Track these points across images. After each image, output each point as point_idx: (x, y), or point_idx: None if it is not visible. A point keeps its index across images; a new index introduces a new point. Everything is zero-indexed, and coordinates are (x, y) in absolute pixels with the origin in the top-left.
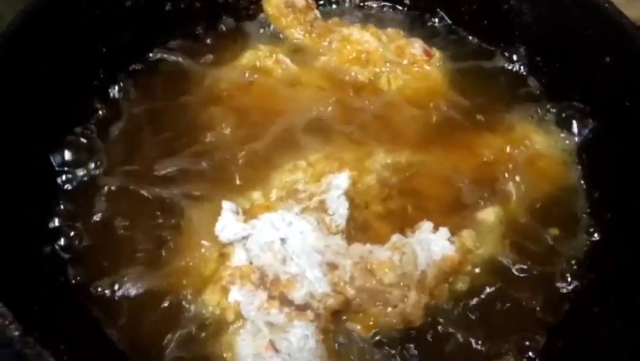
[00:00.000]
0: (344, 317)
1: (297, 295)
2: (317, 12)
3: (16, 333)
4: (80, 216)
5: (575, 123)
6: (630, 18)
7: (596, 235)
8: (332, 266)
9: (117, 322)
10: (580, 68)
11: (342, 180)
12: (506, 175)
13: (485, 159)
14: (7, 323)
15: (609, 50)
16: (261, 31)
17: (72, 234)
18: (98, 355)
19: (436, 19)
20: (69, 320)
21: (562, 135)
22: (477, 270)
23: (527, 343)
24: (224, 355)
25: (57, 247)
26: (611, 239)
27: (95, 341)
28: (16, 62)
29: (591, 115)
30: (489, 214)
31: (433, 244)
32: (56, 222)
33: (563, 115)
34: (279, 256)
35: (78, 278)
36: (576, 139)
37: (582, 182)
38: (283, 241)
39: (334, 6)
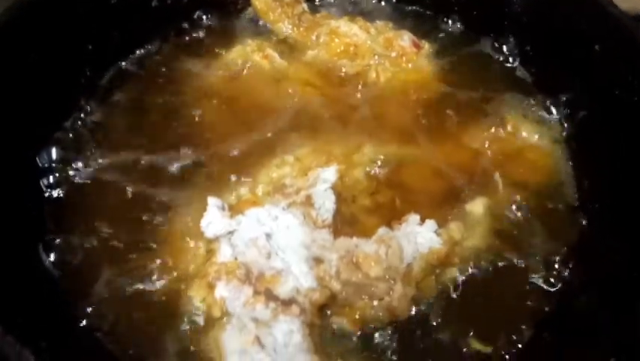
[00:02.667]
0: (330, 312)
1: (283, 290)
2: (305, 5)
3: None
4: (65, 214)
5: (564, 113)
6: (624, 9)
7: (585, 225)
8: (318, 260)
9: (102, 320)
10: (569, 58)
11: (329, 174)
12: (495, 166)
13: (474, 151)
14: None
15: (598, 39)
16: (249, 25)
17: (56, 231)
18: (82, 353)
19: (425, 11)
20: (51, 318)
21: (551, 125)
22: (464, 262)
23: (514, 335)
24: (211, 351)
25: (40, 244)
26: (599, 229)
27: (79, 340)
28: (2, 58)
29: (580, 105)
30: (477, 206)
31: (419, 237)
32: (39, 220)
33: (553, 105)
34: (264, 251)
35: (62, 276)
36: (566, 129)
37: (571, 172)
38: (268, 236)
39: None
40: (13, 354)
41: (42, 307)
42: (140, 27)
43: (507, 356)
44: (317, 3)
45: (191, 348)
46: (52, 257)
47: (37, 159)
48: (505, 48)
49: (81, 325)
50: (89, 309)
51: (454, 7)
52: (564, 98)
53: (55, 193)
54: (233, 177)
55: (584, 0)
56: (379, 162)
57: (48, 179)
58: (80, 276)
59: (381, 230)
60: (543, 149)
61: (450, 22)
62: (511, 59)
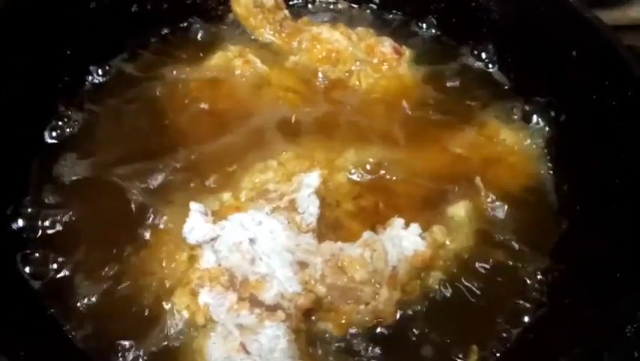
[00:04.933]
0: (315, 317)
1: (268, 295)
2: (286, 12)
3: None
4: (45, 221)
5: (543, 118)
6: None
7: (565, 227)
8: (302, 265)
9: (82, 329)
10: (547, 63)
11: (313, 178)
12: (476, 171)
13: (455, 156)
14: None
15: (575, 44)
16: (231, 31)
17: (36, 238)
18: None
19: (405, 18)
20: (29, 328)
21: (531, 130)
22: (448, 265)
23: (499, 336)
24: (196, 359)
25: (19, 255)
26: (580, 231)
27: (59, 348)
28: None
29: (559, 109)
30: (459, 209)
31: (404, 240)
32: (20, 223)
33: (532, 110)
34: (248, 256)
35: (40, 284)
36: (545, 133)
37: (552, 175)
38: (252, 241)
39: (303, 6)
40: None
41: (20, 317)
42: (120, 32)
43: (494, 358)
44: (298, 9)
45: (175, 355)
46: (30, 268)
47: (14, 165)
48: (484, 54)
49: (61, 334)
50: (69, 318)
51: (433, 14)
52: (543, 103)
53: (34, 197)
54: (215, 183)
55: (560, 6)
56: (362, 167)
57: (25, 187)
58: (59, 284)
59: (366, 234)
60: (523, 153)
61: (430, 29)
62: (490, 65)
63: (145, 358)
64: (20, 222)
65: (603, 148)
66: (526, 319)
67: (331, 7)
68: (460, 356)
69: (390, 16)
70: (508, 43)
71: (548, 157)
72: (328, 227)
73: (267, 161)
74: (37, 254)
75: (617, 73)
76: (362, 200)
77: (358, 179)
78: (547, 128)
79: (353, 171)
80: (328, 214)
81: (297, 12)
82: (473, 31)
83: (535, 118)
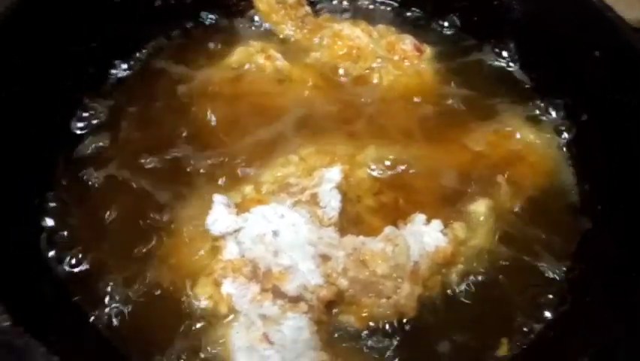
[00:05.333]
0: (337, 310)
1: (290, 287)
2: (308, 8)
3: (7, 323)
4: (72, 212)
5: (565, 117)
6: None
7: (587, 226)
8: (325, 258)
9: (109, 316)
10: (569, 63)
11: (334, 173)
12: (497, 169)
13: (475, 153)
14: None
15: (598, 44)
16: (252, 27)
17: (63, 229)
18: (89, 349)
19: (426, 16)
20: (59, 314)
21: (552, 129)
22: (469, 261)
23: (519, 334)
24: (218, 348)
25: (48, 241)
26: (601, 230)
27: (86, 336)
28: (4, 57)
29: (581, 109)
30: (480, 206)
31: (425, 236)
32: (48, 218)
33: (553, 109)
34: (271, 248)
35: (67, 273)
36: (566, 133)
37: (573, 175)
38: (275, 233)
39: (325, 2)
40: (22, 345)
41: (49, 303)
42: (144, 26)
43: (514, 354)
44: (318, 7)
45: (198, 345)
46: (55, 253)
47: (41, 155)
48: (505, 53)
49: (87, 321)
50: (95, 306)
51: (454, 12)
52: (564, 102)
53: (59, 190)
54: (237, 176)
55: (583, 6)
56: (382, 163)
57: (52, 175)
58: (86, 273)
59: (388, 229)
60: (544, 152)
61: (450, 27)
62: (511, 64)
63: (168, 346)
64: (46, 212)
65: (625, 148)
66: (548, 315)
67: (352, 4)
68: (481, 350)
69: (411, 14)
70: (530, 42)
71: (569, 156)
72: (349, 222)
73: (288, 155)
74: (62, 242)
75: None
76: (382, 196)
77: (379, 175)
78: (567, 128)
79: (373, 167)
80: (349, 209)
81: (318, 9)
82: (494, 29)
83: (556, 117)
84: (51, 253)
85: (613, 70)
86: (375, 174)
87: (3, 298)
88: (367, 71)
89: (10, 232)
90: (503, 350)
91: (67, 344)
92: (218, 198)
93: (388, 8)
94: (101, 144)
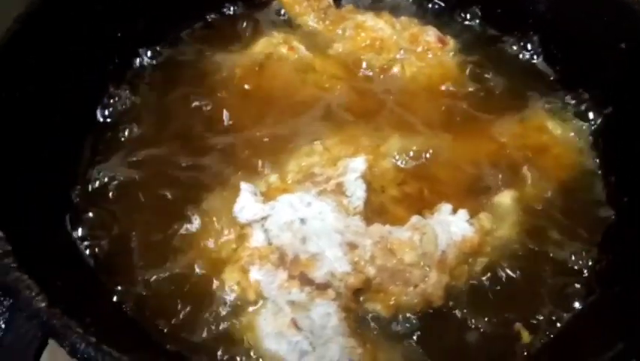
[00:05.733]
0: (363, 297)
1: (318, 274)
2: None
3: (43, 304)
4: (99, 198)
5: (589, 109)
6: None
7: (613, 218)
8: (352, 246)
9: (135, 299)
10: (594, 55)
11: (358, 163)
12: (522, 160)
13: (500, 145)
14: (33, 294)
15: (624, 36)
16: (275, 17)
17: (91, 212)
18: (120, 330)
19: (448, 8)
20: (90, 296)
21: (577, 121)
22: (495, 252)
23: (547, 323)
24: (245, 333)
25: (75, 220)
26: (627, 222)
27: (116, 318)
28: (34, 45)
29: (606, 101)
30: (505, 197)
31: (452, 226)
32: (76, 199)
33: (578, 101)
34: (299, 235)
35: (96, 253)
36: (591, 125)
37: (598, 167)
38: (302, 221)
39: None
40: (59, 326)
41: (79, 284)
42: (168, 17)
43: (539, 345)
44: None
45: (225, 330)
46: (81, 233)
47: (68, 141)
48: (529, 45)
49: (115, 303)
50: (123, 288)
51: (477, 4)
52: (589, 95)
53: (85, 176)
54: (262, 165)
55: None
56: (406, 154)
57: (78, 162)
58: (114, 256)
59: (415, 218)
60: (569, 144)
61: (473, 19)
62: (535, 56)
63: (195, 330)
64: (73, 196)
65: None
66: (576, 305)
67: None
68: (508, 339)
69: (433, 5)
70: (554, 34)
71: (594, 148)
72: (374, 212)
73: (312, 145)
74: (90, 224)
75: None
76: (406, 186)
77: (403, 165)
78: (593, 120)
79: (397, 157)
80: (373, 199)
81: (340, 0)
82: (518, 22)
83: (581, 110)
84: (77, 234)
85: (639, 62)
86: (399, 164)
87: (38, 280)
88: (390, 63)
89: (38, 212)
90: (525, 337)
91: (100, 325)
92: (245, 186)
93: (410, 0)
94: (126, 131)
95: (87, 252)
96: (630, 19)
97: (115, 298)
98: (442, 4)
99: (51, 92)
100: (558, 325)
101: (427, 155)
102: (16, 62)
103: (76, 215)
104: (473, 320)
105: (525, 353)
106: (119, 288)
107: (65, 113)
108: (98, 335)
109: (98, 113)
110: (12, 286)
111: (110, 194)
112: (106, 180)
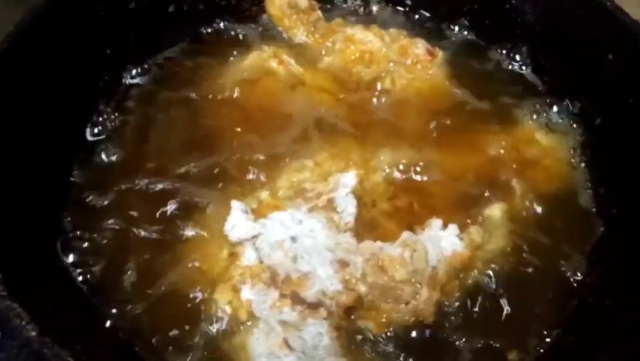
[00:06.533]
0: (354, 315)
1: (309, 293)
2: (319, 13)
3: (33, 333)
4: (89, 217)
5: (578, 120)
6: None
7: (602, 229)
8: (343, 263)
9: (128, 322)
10: (583, 66)
11: (349, 178)
12: (511, 173)
13: (490, 157)
14: (23, 323)
15: (611, 47)
16: (265, 32)
17: (81, 233)
18: (112, 354)
19: (437, 20)
20: (83, 322)
21: (566, 132)
22: (486, 266)
23: (538, 338)
24: (237, 353)
25: (66, 245)
26: (617, 234)
27: (107, 342)
28: (20, 63)
29: (595, 112)
30: (495, 210)
31: (443, 241)
32: (67, 224)
33: (567, 112)
34: (290, 254)
35: (87, 278)
36: (580, 136)
37: (587, 178)
38: (293, 239)
39: (336, 7)
40: (50, 355)
41: (69, 309)
42: (157, 32)
43: (532, 359)
44: (329, 12)
45: (217, 350)
46: (72, 258)
47: (57, 160)
48: (517, 57)
49: (107, 326)
50: (114, 310)
51: (465, 16)
52: (578, 106)
53: (76, 195)
54: (252, 182)
55: (596, 8)
56: (397, 168)
57: (68, 180)
58: (104, 278)
59: (405, 234)
60: (558, 155)
61: (462, 31)
62: (524, 67)
63: (187, 352)
64: (63, 217)
65: (639, 150)
66: (566, 320)
67: (363, 8)
68: (500, 355)
69: (422, 17)
70: (543, 45)
71: (583, 159)
72: (365, 227)
73: (303, 160)
74: (80, 247)
75: None
76: (397, 200)
77: (393, 179)
78: (582, 131)
79: (388, 171)
80: (364, 214)
81: (330, 14)
82: (507, 33)
83: (570, 121)
84: (69, 259)
85: (626, 73)
86: (389, 178)
87: (28, 308)
88: (380, 75)
89: (28, 238)
90: (513, 355)
91: (91, 352)
92: (235, 205)
93: (399, 12)
94: (116, 149)
95: (79, 278)
96: (617, 31)
97: (108, 323)
98: (431, 16)
99: (37, 111)
100: (550, 340)
101: (418, 168)
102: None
103: (67, 240)
104: (465, 336)
105: None
106: (113, 312)
107: (53, 131)
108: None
109: (87, 132)
110: (2, 314)
111: (101, 217)
112: (96, 202)
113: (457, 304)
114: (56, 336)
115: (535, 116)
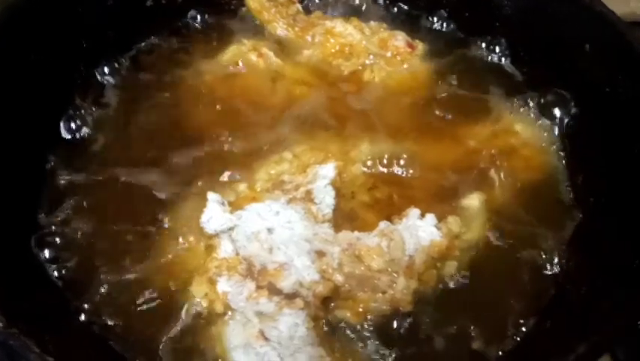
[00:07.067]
0: (333, 305)
1: (286, 283)
2: (299, 6)
3: (0, 324)
4: (64, 212)
5: (556, 111)
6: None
7: (580, 218)
8: (320, 254)
9: (103, 315)
10: (560, 57)
11: (328, 170)
12: (490, 163)
13: (469, 148)
14: None
15: (588, 38)
16: (244, 25)
17: (56, 229)
18: (84, 348)
19: (417, 13)
20: (52, 315)
21: (544, 123)
22: (463, 255)
23: (515, 326)
24: (213, 346)
25: (41, 240)
26: (594, 222)
27: (80, 336)
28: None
29: (572, 102)
30: (473, 200)
31: (420, 231)
32: (41, 216)
33: (545, 103)
34: (266, 245)
35: (62, 272)
36: (558, 126)
37: (565, 168)
38: (270, 230)
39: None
40: (17, 345)
41: (41, 303)
42: (135, 26)
43: (509, 346)
44: (308, 5)
45: (193, 343)
46: (47, 253)
47: (32, 154)
48: (497, 48)
49: (80, 320)
50: (89, 304)
51: (444, 8)
52: (556, 97)
53: (51, 189)
54: (230, 175)
55: (573, 0)
56: (376, 159)
57: (43, 174)
58: (78, 273)
59: (383, 224)
60: (536, 145)
61: (442, 23)
62: (503, 59)
63: (164, 345)
64: (38, 212)
65: (616, 141)
66: (543, 307)
67: (343, 1)
68: (477, 343)
69: (402, 10)
70: (521, 37)
71: (562, 150)
72: (344, 218)
73: (282, 153)
74: (55, 243)
75: (631, 67)
76: (376, 191)
77: (372, 171)
78: (560, 121)
79: (368, 163)
80: (343, 205)
81: (309, 6)
82: (486, 25)
83: (548, 111)
84: (43, 254)
85: (603, 63)
86: (368, 170)
87: None
88: (360, 68)
89: (2, 234)
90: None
91: (62, 344)
92: (212, 197)
93: (379, 5)
94: (92, 143)
95: (55, 273)
96: (593, 22)
97: (83, 318)
98: (410, 8)
99: (12, 106)
100: (527, 327)
101: (397, 160)
102: None
103: (42, 236)
104: (443, 325)
105: (493, 357)
106: (87, 306)
107: (28, 127)
108: (57, 355)
109: (62, 127)
110: None
111: (75, 211)
112: (71, 197)
113: (435, 293)
114: (23, 327)
115: (514, 107)
